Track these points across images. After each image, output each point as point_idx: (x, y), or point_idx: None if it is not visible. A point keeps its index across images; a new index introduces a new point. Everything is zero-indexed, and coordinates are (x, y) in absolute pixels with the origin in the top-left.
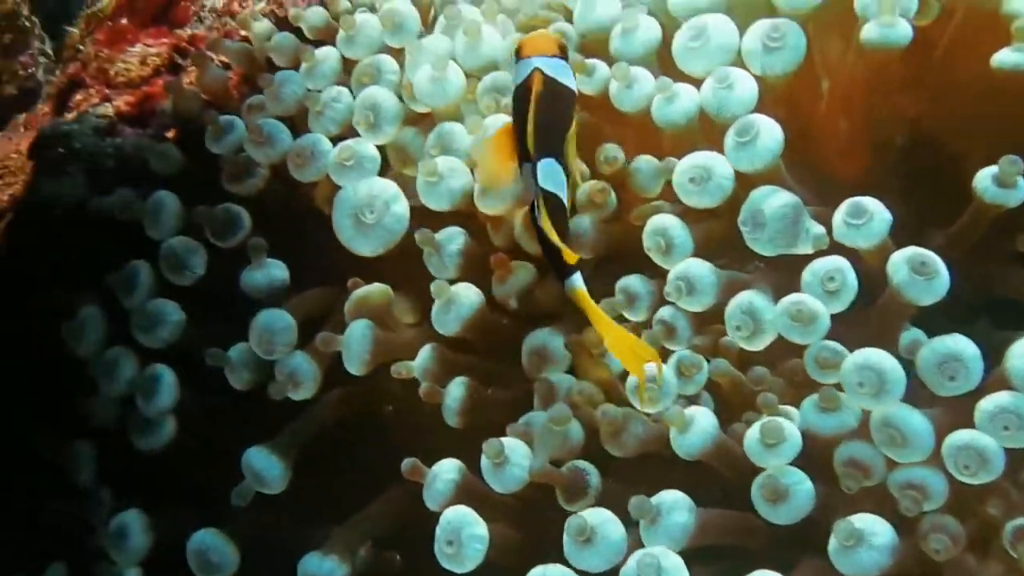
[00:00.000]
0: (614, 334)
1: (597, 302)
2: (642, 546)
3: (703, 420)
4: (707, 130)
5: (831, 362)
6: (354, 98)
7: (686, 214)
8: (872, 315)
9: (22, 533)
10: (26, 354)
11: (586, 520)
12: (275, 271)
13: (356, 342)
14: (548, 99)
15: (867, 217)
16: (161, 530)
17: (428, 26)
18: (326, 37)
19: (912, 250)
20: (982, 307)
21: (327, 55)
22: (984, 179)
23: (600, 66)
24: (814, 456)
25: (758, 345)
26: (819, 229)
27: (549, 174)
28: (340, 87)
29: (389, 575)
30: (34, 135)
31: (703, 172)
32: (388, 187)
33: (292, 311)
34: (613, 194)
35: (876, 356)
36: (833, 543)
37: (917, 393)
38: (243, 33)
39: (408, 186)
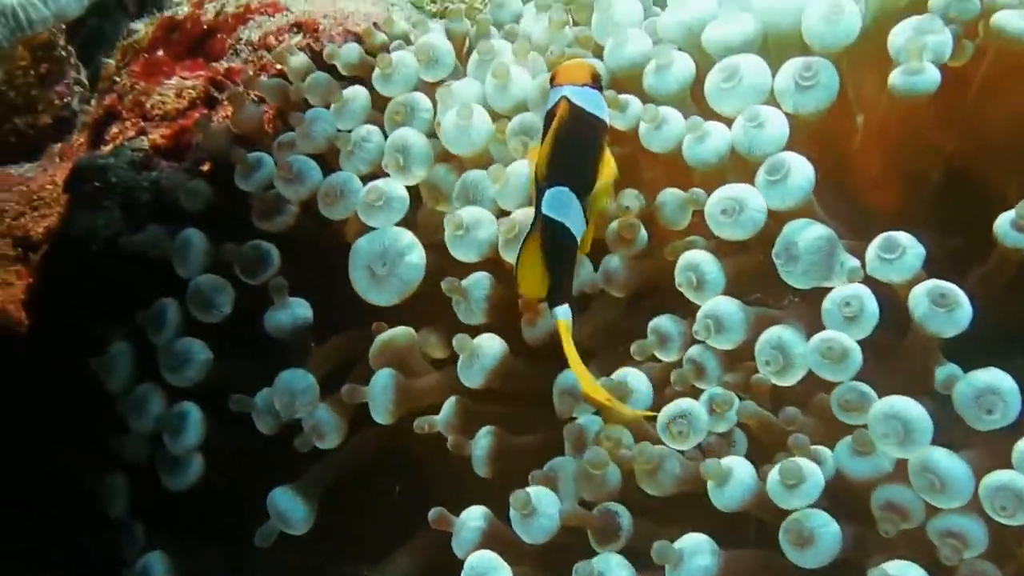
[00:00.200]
0: (582, 374)
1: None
2: None
3: (741, 472)
4: (738, 167)
5: (855, 405)
6: (386, 135)
7: (719, 249)
8: (903, 351)
9: (58, 566)
10: (63, 387)
11: (593, 568)
12: (298, 310)
13: (380, 393)
14: (572, 128)
15: (900, 251)
16: (184, 571)
17: (463, 58)
18: (361, 73)
19: (932, 283)
20: (1019, 342)
21: (356, 94)
22: (1003, 224)
23: (633, 102)
24: (849, 496)
25: (789, 380)
26: (853, 262)
27: (558, 203)
28: (370, 126)
29: None
30: (70, 167)
31: (736, 204)
32: (401, 237)
33: (315, 367)
34: (643, 230)
35: (901, 404)
36: None
37: (953, 431)
38: (279, 67)
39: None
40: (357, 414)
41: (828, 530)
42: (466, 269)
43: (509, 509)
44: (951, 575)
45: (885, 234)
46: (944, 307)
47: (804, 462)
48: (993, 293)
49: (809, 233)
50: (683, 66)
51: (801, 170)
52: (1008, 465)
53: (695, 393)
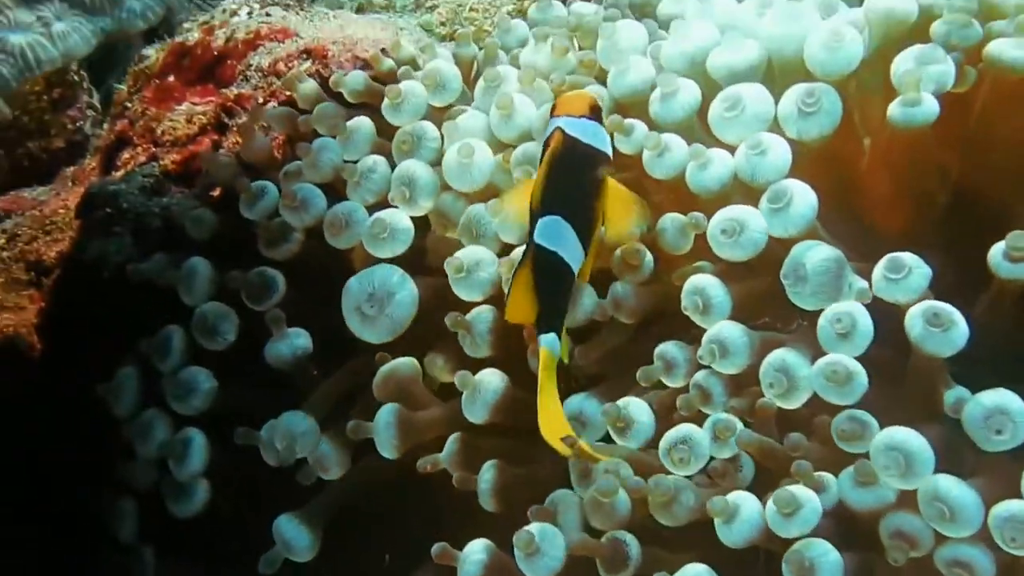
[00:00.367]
0: (548, 404)
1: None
2: None
3: (748, 508)
4: (743, 193)
5: (853, 434)
6: (393, 163)
7: (726, 273)
8: (909, 374)
9: None
10: (74, 411)
11: None
12: (298, 340)
13: (384, 430)
14: (564, 158)
15: (906, 271)
16: None
17: (471, 82)
18: (367, 99)
19: (926, 303)
20: None
21: (359, 125)
22: (996, 255)
23: (639, 127)
24: (857, 522)
25: (793, 403)
26: (862, 283)
27: (551, 231)
28: (377, 157)
29: None
30: (82, 192)
31: (736, 225)
32: (390, 276)
33: (319, 401)
34: (649, 255)
35: (902, 436)
36: None
37: (963, 456)
38: (288, 93)
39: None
40: (362, 440)
41: (828, 559)
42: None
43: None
44: None
45: (891, 255)
46: (939, 327)
47: (799, 489)
48: (1000, 317)
49: (817, 254)
50: (689, 94)
51: (804, 198)
52: (1017, 493)
53: (702, 418)
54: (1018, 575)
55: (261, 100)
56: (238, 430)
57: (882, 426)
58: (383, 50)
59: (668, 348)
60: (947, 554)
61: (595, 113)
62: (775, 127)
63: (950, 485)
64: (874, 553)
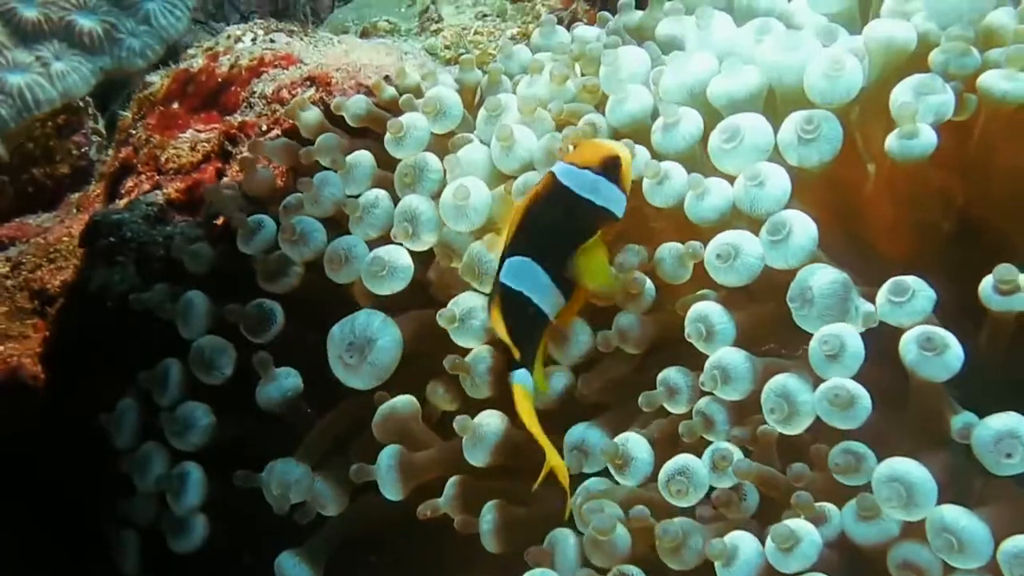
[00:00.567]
0: (545, 445)
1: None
2: None
3: (747, 549)
4: (742, 221)
5: (847, 467)
6: (394, 198)
7: (728, 300)
8: (913, 400)
9: None
10: (78, 441)
11: None
12: (287, 381)
13: (386, 473)
14: (546, 203)
15: (909, 295)
16: None
17: (473, 109)
18: (369, 124)
19: (919, 328)
20: None
21: (359, 160)
22: (986, 289)
23: (639, 153)
24: (862, 552)
25: (795, 429)
26: (868, 307)
27: (518, 273)
28: (379, 191)
29: None
30: (86, 220)
31: (731, 249)
32: (371, 322)
33: (309, 453)
34: (649, 282)
35: (903, 467)
36: None
37: (971, 481)
38: (292, 121)
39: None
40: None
41: None
42: None
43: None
44: None
45: (894, 278)
46: (932, 351)
47: (796, 523)
48: (1003, 345)
49: (824, 277)
50: (691, 123)
51: (803, 229)
52: None
53: (704, 445)
54: None
55: (265, 128)
56: (238, 473)
57: (889, 452)
58: (386, 77)
59: (671, 374)
60: None
61: (606, 167)
62: (776, 155)
63: (958, 515)
64: None
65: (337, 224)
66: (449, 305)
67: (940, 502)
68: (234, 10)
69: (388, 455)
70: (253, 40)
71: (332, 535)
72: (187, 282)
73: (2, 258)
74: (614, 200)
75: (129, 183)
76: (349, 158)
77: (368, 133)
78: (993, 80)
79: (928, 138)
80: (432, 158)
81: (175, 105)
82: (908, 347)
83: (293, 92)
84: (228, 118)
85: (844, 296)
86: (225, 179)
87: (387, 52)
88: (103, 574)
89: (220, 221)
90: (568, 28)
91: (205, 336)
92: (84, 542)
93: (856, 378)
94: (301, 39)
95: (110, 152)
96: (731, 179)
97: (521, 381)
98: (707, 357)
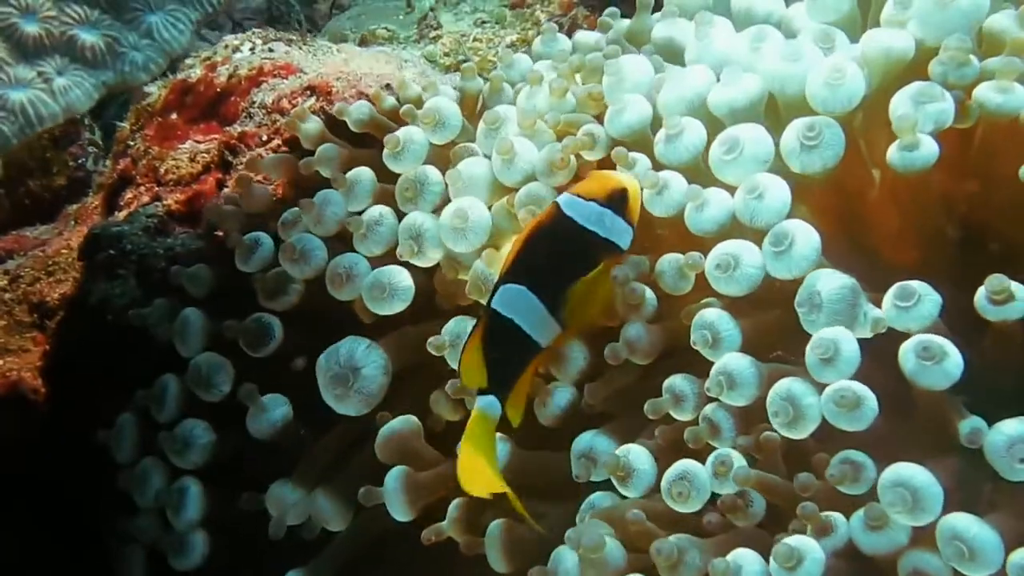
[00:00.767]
0: (470, 460)
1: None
2: None
3: (749, 567)
4: (743, 232)
5: (844, 477)
6: (396, 212)
7: (734, 308)
8: (920, 406)
9: None
10: (79, 456)
11: None
12: (276, 412)
13: (393, 496)
14: (547, 234)
15: (915, 299)
16: None
17: (476, 117)
18: (371, 130)
19: (917, 337)
20: None
21: (360, 176)
22: (981, 300)
23: (640, 162)
24: (870, 561)
25: (800, 433)
26: (877, 312)
27: (511, 300)
28: (382, 208)
29: None
30: (84, 233)
31: (731, 259)
32: (355, 349)
33: (304, 478)
34: (649, 291)
35: (908, 472)
36: None
37: (979, 487)
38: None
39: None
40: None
41: None
42: None
43: None
44: None
45: (900, 283)
46: (930, 360)
47: (798, 540)
48: (1011, 350)
49: (832, 282)
50: (694, 134)
51: (806, 239)
52: None
53: (710, 452)
54: None
55: (265, 138)
56: (243, 495)
57: (895, 457)
58: (387, 86)
59: (676, 381)
60: None
61: (612, 199)
62: (779, 163)
63: (969, 523)
64: None
65: (339, 239)
66: (443, 332)
67: (948, 508)
68: (228, 18)
69: (394, 477)
70: (251, 49)
71: (338, 553)
72: (188, 296)
73: (0, 271)
74: (618, 232)
75: (128, 195)
76: (349, 175)
77: (370, 141)
78: (986, 93)
79: (929, 149)
80: (432, 171)
81: (173, 116)
82: (907, 356)
83: (293, 102)
84: (228, 128)
85: (853, 301)
86: (225, 191)
87: (387, 60)
88: None
89: (221, 233)
90: (568, 34)
91: (203, 353)
92: (85, 557)
93: (862, 383)
94: (300, 48)
95: (107, 163)
96: (732, 190)
97: (485, 407)
98: (713, 364)
